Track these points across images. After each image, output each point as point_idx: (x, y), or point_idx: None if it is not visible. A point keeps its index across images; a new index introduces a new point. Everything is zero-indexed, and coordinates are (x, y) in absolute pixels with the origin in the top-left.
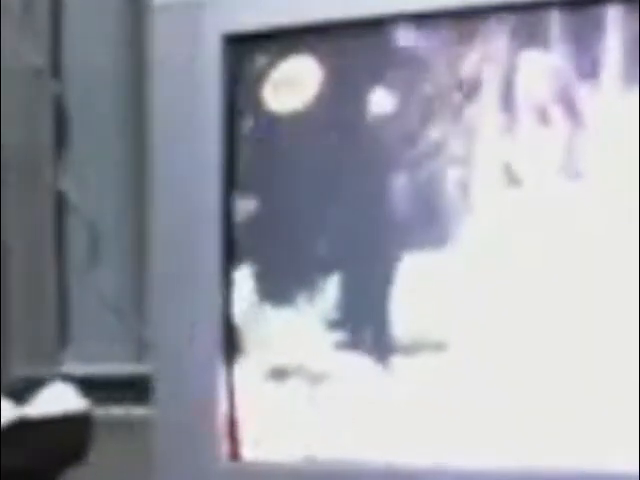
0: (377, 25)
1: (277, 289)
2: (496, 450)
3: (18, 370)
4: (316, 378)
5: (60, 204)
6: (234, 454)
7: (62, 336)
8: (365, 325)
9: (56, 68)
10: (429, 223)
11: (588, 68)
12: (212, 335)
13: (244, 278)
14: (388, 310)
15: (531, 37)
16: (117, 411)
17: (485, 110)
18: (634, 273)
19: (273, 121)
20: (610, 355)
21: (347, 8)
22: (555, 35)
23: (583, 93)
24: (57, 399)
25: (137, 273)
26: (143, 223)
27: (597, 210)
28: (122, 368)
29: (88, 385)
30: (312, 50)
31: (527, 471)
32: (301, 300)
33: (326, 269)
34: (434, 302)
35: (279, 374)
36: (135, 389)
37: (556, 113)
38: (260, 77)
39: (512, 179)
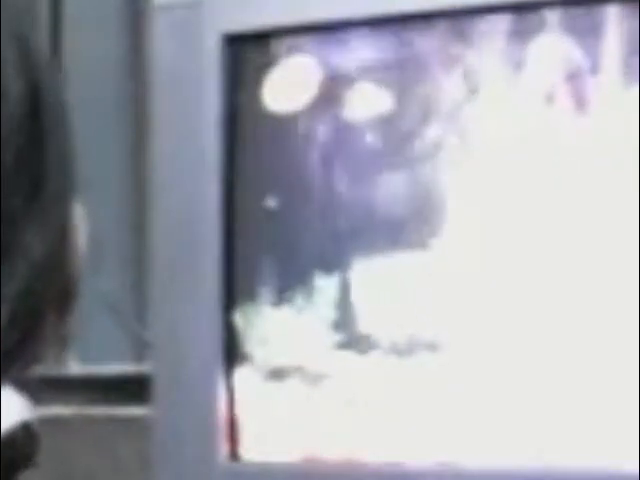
0: (377, 24)
1: (276, 289)
2: (495, 450)
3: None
4: (315, 378)
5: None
6: (234, 454)
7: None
8: (363, 326)
9: (56, 68)
10: (424, 222)
11: (587, 67)
12: (211, 335)
13: (243, 279)
14: (386, 311)
15: (532, 35)
16: (117, 411)
17: (483, 111)
18: (634, 271)
19: (273, 121)
20: (609, 354)
21: (347, 8)
22: (556, 33)
23: (586, 88)
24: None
25: (137, 273)
26: (143, 223)
27: (595, 209)
28: (122, 368)
29: (88, 385)
30: (312, 50)
31: (526, 471)
32: (300, 301)
33: (325, 269)
34: (430, 303)
35: (278, 374)
36: (135, 389)
37: (562, 102)
38: (260, 77)
39: (507, 176)
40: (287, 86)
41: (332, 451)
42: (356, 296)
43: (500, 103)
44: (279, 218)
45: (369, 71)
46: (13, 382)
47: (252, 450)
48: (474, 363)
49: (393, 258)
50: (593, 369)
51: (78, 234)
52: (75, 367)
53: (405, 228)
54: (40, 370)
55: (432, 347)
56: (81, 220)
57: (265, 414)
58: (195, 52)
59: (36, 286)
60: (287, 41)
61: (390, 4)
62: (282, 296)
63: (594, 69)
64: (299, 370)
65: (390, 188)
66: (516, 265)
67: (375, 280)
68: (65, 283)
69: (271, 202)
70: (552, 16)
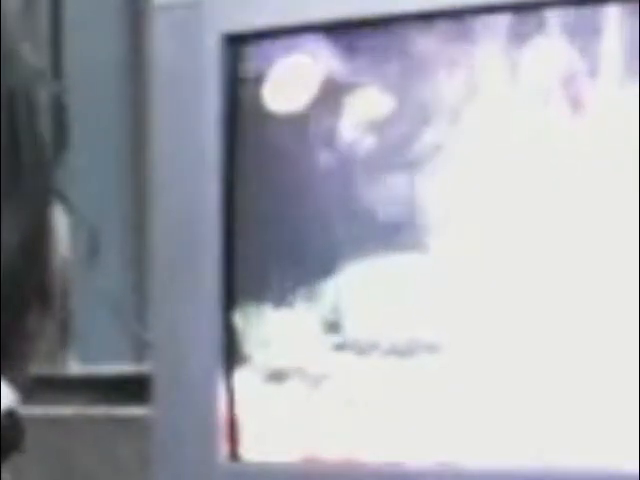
0: (377, 25)
1: (276, 290)
2: (495, 450)
3: None
4: (315, 380)
5: (60, 204)
6: (233, 454)
7: (62, 336)
8: (363, 327)
9: (56, 68)
10: (424, 224)
11: (586, 68)
12: (211, 335)
13: (243, 279)
14: (386, 312)
15: (531, 36)
16: (117, 411)
17: (483, 112)
18: (634, 273)
19: (273, 121)
20: (609, 354)
21: (347, 8)
22: (554, 34)
23: (583, 90)
24: None
25: (137, 273)
26: (143, 223)
27: (594, 210)
28: (122, 368)
29: (88, 385)
30: (312, 50)
31: (526, 471)
32: (300, 302)
33: (325, 271)
34: (429, 304)
35: (278, 376)
36: (135, 389)
37: (561, 103)
38: (260, 77)
39: (508, 177)
40: (287, 86)
41: (332, 451)
42: (356, 297)
43: (499, 104)
44: (279, 219)
45: (369, 71)
46: (4, 376)
47: (252, 450)
48: (474, 364)
49: (393, 260)
50: (593, 369)
51: (57, 235)
52: (75, 367)
53: (405, 230)
54: (40, 370)
55: (432, 348)
56: (60, 222)
57: (265, 414)
58: (195, 52)
59: (10, 282)
60: (287, 41)
61: (390, 4)
62: (282, 297)
63: (593, 70)
64: (299, 371)
65: (389, 189)
66: (515, 266)
67: (375, 282)
68: (43, 281)
69: (271, 202)
70: (552, 17)
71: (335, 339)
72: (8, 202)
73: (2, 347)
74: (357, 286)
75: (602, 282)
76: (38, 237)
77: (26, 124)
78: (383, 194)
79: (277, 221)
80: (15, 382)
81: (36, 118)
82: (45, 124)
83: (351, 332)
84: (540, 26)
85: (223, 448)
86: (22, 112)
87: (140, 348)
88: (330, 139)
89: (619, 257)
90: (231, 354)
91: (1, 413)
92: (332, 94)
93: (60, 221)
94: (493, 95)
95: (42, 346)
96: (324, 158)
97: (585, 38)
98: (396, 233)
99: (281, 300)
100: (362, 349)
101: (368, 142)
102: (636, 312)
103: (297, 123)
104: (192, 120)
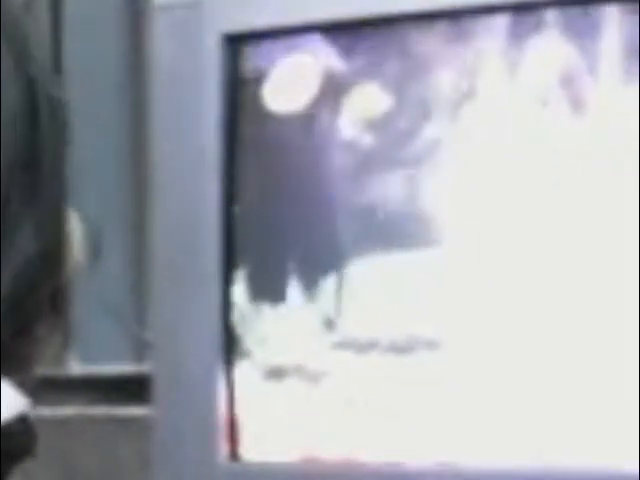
0: (377, 24)
1: (276, 289)
2: (495, 450)
3: None
4: (314, 378)
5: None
6: (233, 454)
7: (63, 336)
8: (362, 324)
9: (56, 68)
10: (423, 222)
11: (585, 67)
12: (211, 335)
13: (243, 278)
14: (385, 309)
15: (530, 36)
16: (117, 411)
17: (482, 111)
18: (634, 273)
19: (273, 121)
20: (609, 354)
21: (347, 8)
22: (554, 33)
23: (583, 89)
24: None
25: (137, 273)
26: (143, 223)
27: (593, 210)
28: (122, 368)
29: (88, 385)
30: (312, 50)
31: (526, 471)
32: (299, 300)
33: (324, 268)
34: (429, 301)
35: (277, 373)
36: (135, 389)
37: (560, 103)
38: (260, 77)
39: (507, 174)
40: (287, 86)
41: (331, 451)
42: (355, 295)
43: (498, 104)
44: (279, 217)
45: (368, 71)
46: (12, 380)
47: (252, 450)
48: (474, 362)
49: (392, 257)
50: (593, 369)
51: (72, 239)
52: (76, 367)
53: (405, 227)
54: (41, 370)
55: (431, 345)
56: (75, 226)
57: (265, 414)
58: (195, 52)
59: (31, 284)
60: (287, 41)
61: (389, 4)
62: (281, 295)
63: (592, 70)
64: (298, 369)
65: (388, 188)
66: (514, 264)
67: (374, 279)
68: (59, 285)
69: (271, 202)
70: (551, 16)
71: (334, 336)
72: (27, 209)
73: (13, 351)
74: (357, 283)
75: (602, 282)
76: (56, 245)
77: (48, 117)
78: (383, 191)
79: (277, 220)
80: (23, 385)
81: (58, 110)
82: (65, 117)
83: (350, 329)
84: (539, 26)
85: (223, 448)
86: (44, 104)
87: (140, 348)
88: (330, 138)
89: (619, 256)
90: (231, 353)
91: (14, 418)
92: (332, 93)
93: (75, 225)
94: (492, 94)
95: (50, 349)
96: (324, 157)
97: (584, 38)
98: (396, 230)
99: (281, 298)
100: (361, 346)
101: (368, 140)
102: (636, 312)
103: (297, 123)
104: (192, 120)
